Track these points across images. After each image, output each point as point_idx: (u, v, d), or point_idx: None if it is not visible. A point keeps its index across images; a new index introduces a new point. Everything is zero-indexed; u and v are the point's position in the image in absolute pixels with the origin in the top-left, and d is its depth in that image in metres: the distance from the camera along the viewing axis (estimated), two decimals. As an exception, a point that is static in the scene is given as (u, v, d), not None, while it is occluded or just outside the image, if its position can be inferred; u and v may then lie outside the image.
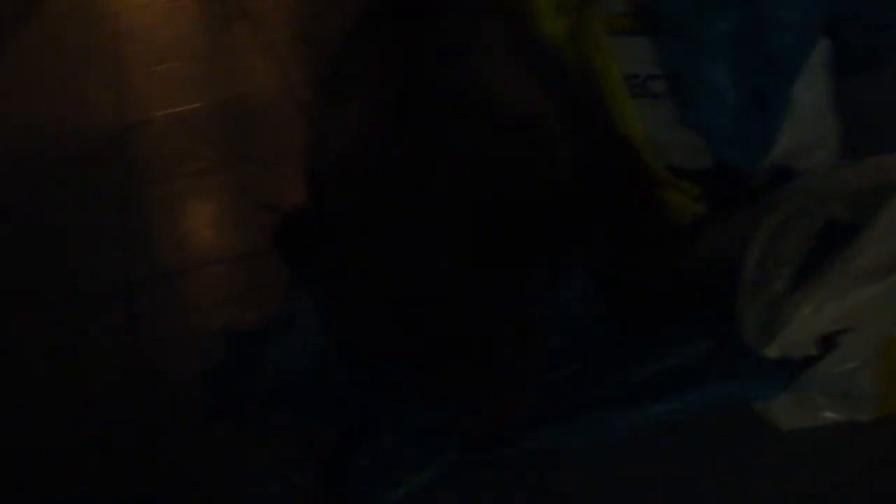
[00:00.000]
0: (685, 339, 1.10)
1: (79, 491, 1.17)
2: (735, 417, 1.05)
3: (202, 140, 2.09)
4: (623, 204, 1.20)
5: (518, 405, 1.03)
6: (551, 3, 1.44)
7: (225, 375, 1.21)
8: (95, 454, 1.22)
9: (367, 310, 1.02)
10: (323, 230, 1.05)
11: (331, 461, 1.08)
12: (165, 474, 1.16)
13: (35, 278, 1.65)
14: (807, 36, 1.30)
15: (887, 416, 1.00)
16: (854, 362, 0.98)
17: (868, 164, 1.22)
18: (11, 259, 1.71)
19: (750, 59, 1.30)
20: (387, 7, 1.16)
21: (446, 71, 1.04)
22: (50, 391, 1.35)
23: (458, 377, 1.01)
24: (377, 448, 1.05)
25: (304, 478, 1.10)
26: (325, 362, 1.16)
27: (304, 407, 1.13)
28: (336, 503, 1.05)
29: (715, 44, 1.30)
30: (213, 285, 1.51)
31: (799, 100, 1.36)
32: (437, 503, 1.03)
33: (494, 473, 1.04)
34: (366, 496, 1.02)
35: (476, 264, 0.94)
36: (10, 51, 2.93)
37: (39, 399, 1.34)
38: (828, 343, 0.99)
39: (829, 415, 1.00)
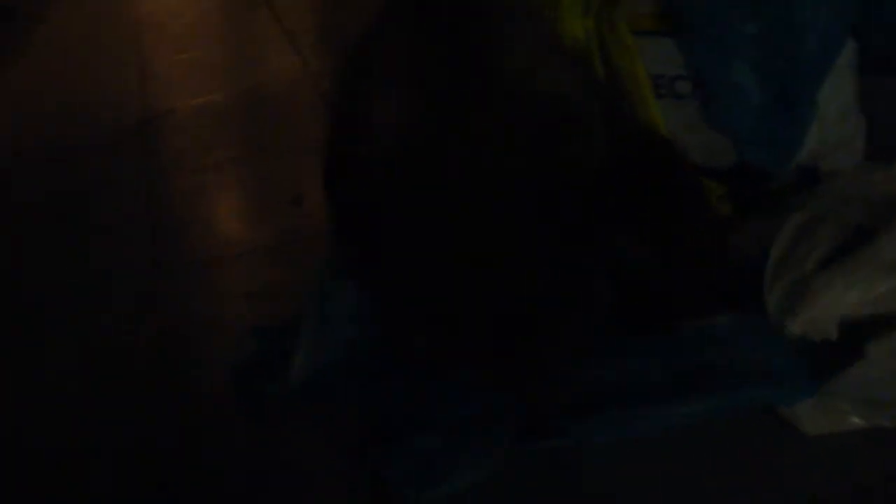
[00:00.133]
0: (716, 339, 1.11)
1: (104, 488, 1.19)
2: (754, 417, 1.06)
3: (225, 131, 2.10)
4: (660, 192, 1.21)
5: (569, 385, 1.06)
6: (577, 4, 1.45)
7: (255, 372, 1.22)
8: (122, 449, 1.24)
9: (425, 288, 1.04)
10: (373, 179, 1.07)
11: (366, 460, 1.09)
12: (194, 470, 1.17)
13: (61, 269, 1.67)
14: (833, 39, 1.30)
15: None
16: (882, 371, 0.99)
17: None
18: (38, 250, 1.73)
19: (776, 61, 1.30)
20: (419, 4, 1.17)
21: (488, 61, 1.07)
22: (78, 385, 1.37)
23: (513, 353, 1.03)
24: (413, 448, 1.06)
25: (334, 475, 1.11)
26: (360, 355, 1.17)
27: (337, 402, 1.14)
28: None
29: (741, 46, 1.31)
30: (240, 277, 1.53)
31: (824, 100, 1.36)
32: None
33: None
34: (406, 497, 1.03)
35: (533, 240, 0.97)
36: (34, 39, 2.96)
37: (66, 393, 1.37)
38: (856, 349, 1.00)
39: (854, 420, 1.01)
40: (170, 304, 1.49)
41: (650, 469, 1.04)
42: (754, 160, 1.35)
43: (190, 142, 2.06)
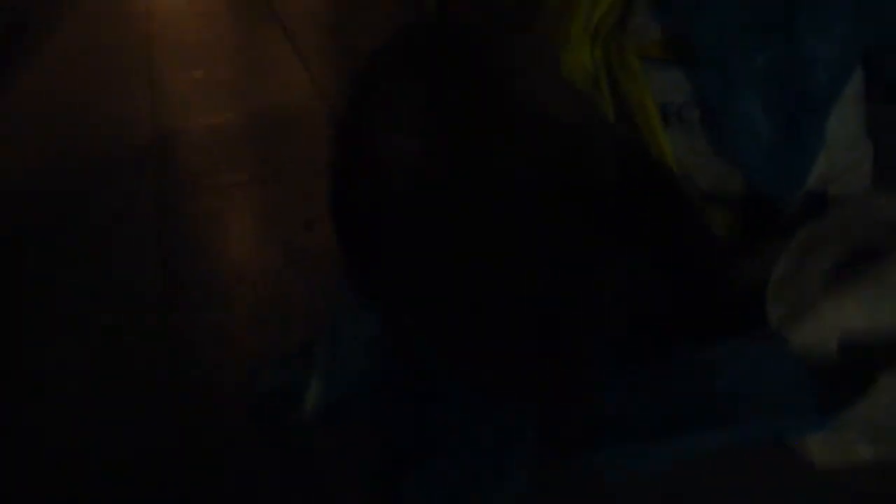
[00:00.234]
0: (722, 369, 1.12)
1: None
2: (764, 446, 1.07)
3: (237, 152, 2.12)
4: (661, 217, 1.23)
5: (592, 397, 1.07)
6: (585, 30, 1.46)
7: (273, 399, 1.23)
8: (139, 480, 1.25)
9: (447, 307, 1.06)
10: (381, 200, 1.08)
11: (387, 485, 1.10)
12: (215, 497, 1.18)
13: (74, 288, 1.69)
14: (842, 70, 1.31)
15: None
16: (890, 402, 1.00)
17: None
18: (52, 270, 1.74)
19: (784, 92, 1.31)
20: (428, 38, 1.19)
21: (502, 93, 1.10)
22: (89, 397, 1.39)
23: (537, 366, 1.05)
24: (433, 472, 1.07)
25: (357, 501, 1.13)
26: (375, 382, 1.19)
27: (355, 429, 1.16)
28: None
29: (750, 77, 1.32)
30: (251, 302, 1.54)
31: (832, 128, 1.37)
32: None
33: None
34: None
35: (548, 261, 1.00)
36: (45, 54, 2.98)
37: (78, 403, 1.38)
38: (867, 380, 1.01)
39: (864, 453, 1.02)
40: (182, 329, 1.50)
41: (659, 493, 1.05)
42: (762, 189, 1.36)
43: (202, 163, 2.08)
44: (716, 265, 1.24)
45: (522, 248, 1.04)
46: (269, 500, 1.15)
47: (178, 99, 2.49)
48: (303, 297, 1.50)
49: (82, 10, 3.40)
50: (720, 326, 1.15)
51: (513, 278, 1.04)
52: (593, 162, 1.07)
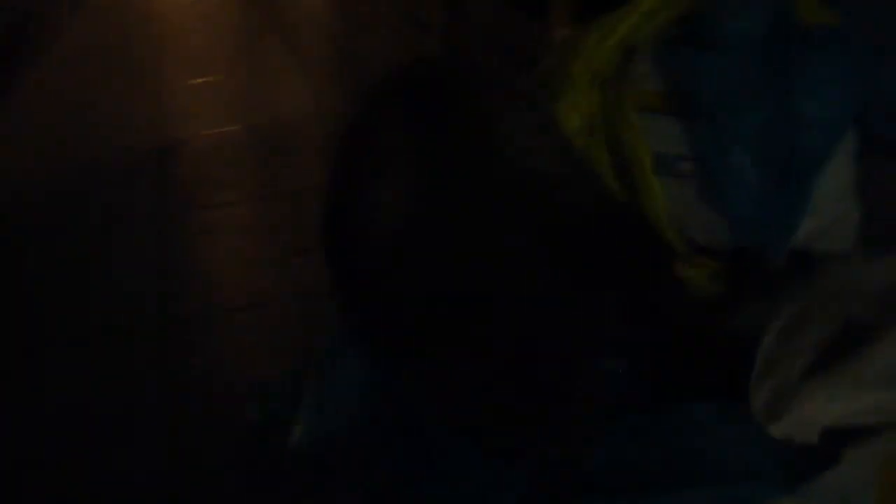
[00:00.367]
0: (693, 426, 1.14)
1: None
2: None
3: (234, 167, 2.15)
4: (638, 270, 1.25)
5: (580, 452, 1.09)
6: (586, 77, 1.49)
7: (257, 429, 1.25)
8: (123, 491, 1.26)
9: (438, 352, 1.08)
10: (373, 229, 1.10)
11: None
12: None
13: (69, 289, 1.71)
14: (836, 130, 1.34)
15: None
16: (856, 477, 1.02)
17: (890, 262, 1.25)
18: (52, 279, 1.76)
19: (777, 150, 1.34)
20: (412, 91, 1.21)
21: (488, 145, 1.12)
22: (86, 409, 1.41)
23: (524, 419, 1.07)
24: None
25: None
26: (364, 419, 1.20)
27: (336, 473, 1.18)
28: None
29: (744, 134, 1.34)
30: (242, 329, 1.57)
31: (820, 185, 1.39)
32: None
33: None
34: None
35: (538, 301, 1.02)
36: (49, 51, 2.99)
37: (78, 415, 1.40)
38: (833, 452, 1.03)
39: (827, 523, 1.04)
40: (176, 348, 1.52)
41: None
42: (749, 243, 1.39)
43: (201, 176, 2.11)
44: (686, 320, 1.26)
45: (507, 295, 1.06)
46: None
47: (180, 107, 2.52)
48: (294, 325, 1.52)
49: (85, 11, 3.41)
50: (698, 380, 1.18)
51: (497, 326, 1.05)
52: (572, 214, 1.10)
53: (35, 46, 2.95)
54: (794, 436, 1.02)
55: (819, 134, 1.34)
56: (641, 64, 1.45)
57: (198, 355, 1.49)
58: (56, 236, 1.90)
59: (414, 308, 1.07)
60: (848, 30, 1.36)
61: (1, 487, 1.29)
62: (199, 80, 2.63)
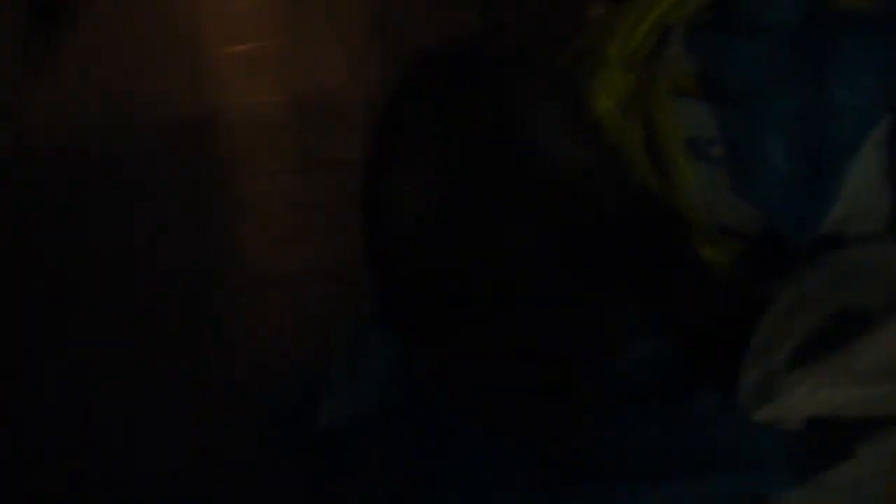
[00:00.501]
0: (705, 417, 1.17)
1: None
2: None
3: (273, 138, 2.17)
4: (657, 252, 1.27)
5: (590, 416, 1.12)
6: (621, 58, 1.50)
7: (284, 411, 1.29)
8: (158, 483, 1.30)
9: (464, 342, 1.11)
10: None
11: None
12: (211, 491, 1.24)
13: (103, 274, 1.74)
14: (866, 121, 1.34)
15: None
16: (868, 472, 1.04)
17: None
18: (80, 247, 1.79)
19: (808, 138, 1.34)
20: (443, 78, 1.23)
21: (511, 137, 1.14)
22: (114, 387, 1.45)
23: (539, 405, 1.10)
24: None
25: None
26: (388, 404, 1.24)
27: (360, 459, 1.21)
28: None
29: (775, 120, 1.35)
30: (277, 304, 1.60)
31: (851, 171, 1.40)
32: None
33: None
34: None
35: (566, 290, 1.05)
36: (84, 21, 3.00)
37: (102, 394, 1.44)
38: (844, 448, 1.06)
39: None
40: (210, 321, 1.55)
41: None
42: (778, 228, 1.40)
43: (237, 147, 2.13)
44: (705, 306, 1.28)
45: (528, 285, 1.08)
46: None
47: (217, 75, 2.54)
48: (325, 303, 1.55)
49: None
50: (713, 370, 1.20)
51: (520, 320, 1.08)
52: (595, 206, 1.12)
53: (73, 10, 2.97)
54: (779, 422, 1.05)
55: (851, 122, 1.34)
56: (675, 46, 1.46)
57: (228, 330, 1.53)
58: (87, 204, 1.94)
59: (437, 293, 1.10)
60: (882, 15, 1.36)
61: (25, 467, 1.33)
62: (238, 48, 2.65)
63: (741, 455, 1.09)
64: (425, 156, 1.12)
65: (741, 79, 1.37)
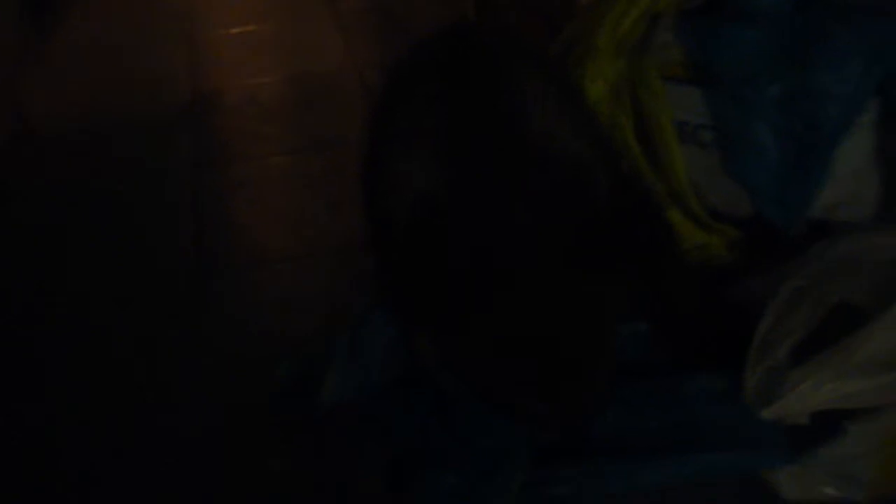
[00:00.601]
0: (698, 398, 1.19)
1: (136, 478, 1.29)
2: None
3: (272, 119, 2.18)
4: (642, 241, 1.29)
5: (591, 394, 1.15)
6: (611, 44, 1.51)
7: (293, 389, 1.32)
8: (151, 451, 1.32)
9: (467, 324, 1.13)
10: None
11: (390, 485, 1.18)
12: (225, 485, 1.26)
13: (107, 254, 1.77)
14: (853, 106, 1.36)
15: (880, 498, 1.09)
16: (858, 450, 1.07)
17: (893, 235, 1.28)
18: (83, 237, 1.82)
19: (796, 123, 1.36)
20: (441, 65, 1.25)
21: (510, 125, 1.16)
22: (120, 371, 1.47)
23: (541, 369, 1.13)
24: (441, 486, 1.14)
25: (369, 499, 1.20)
26: (391, 381, 1.27)
27: (364, 427, 1.24)
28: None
29: (763, 106, 1.37)
30: (276, 283, 1.62)
31: (839, 157, 1.42)
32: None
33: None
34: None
35: (560, 277, 1.07)
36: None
37: (109, 365, 1.47)
38: (835, 426, 1.09)
39: (828, 491, 1.09)
40: (212, 301, 1.58)
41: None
42: (767, 213, 1.42)
43: (237, 128, 2.15)
44: (686, 291, 1.30)
45: (528, 268, 1.10)
46: (276, 484, 1.23)
47: (216, 57, 2.55)
48: (327, 280, 1.57)
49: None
50: (701, 354, 1.23)
51: (517, 297, 1.10)
52: (588, 193, 1.14)
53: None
54: (784, 419, 1.08)
55: (839, 107, 1.35)
56: (665, 32, 1.48)
57: (231, 307, 1.55)
58: (88, 185, 1.96)
59: (440, 275, 1.12)
60: (870, 4, 1.37)
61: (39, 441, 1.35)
62: (236, 30, 2.67)
63: (734, 434, 1.12)
64: (425, 138, 1.14)
65: (731, 64, 1.38)
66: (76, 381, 1.46)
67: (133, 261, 1.73)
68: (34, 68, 2.52)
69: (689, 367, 1.24)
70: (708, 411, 1.18)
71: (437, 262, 1.11)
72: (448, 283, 1.10)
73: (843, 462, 1.08)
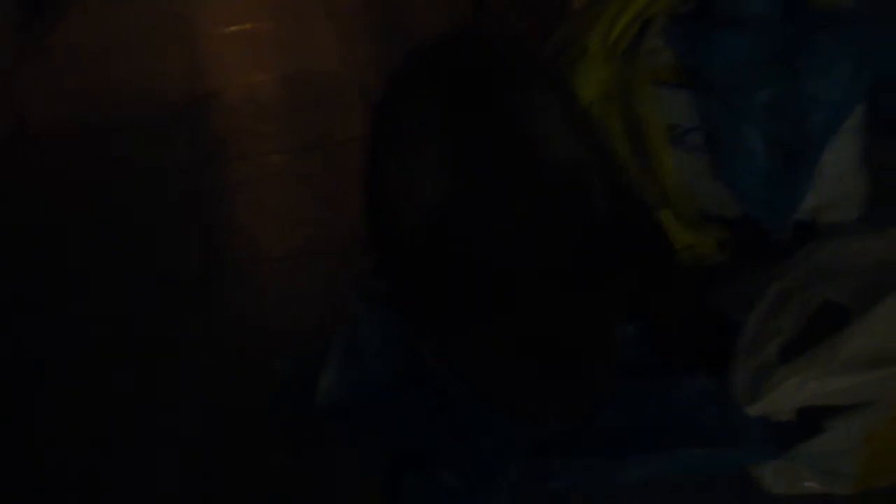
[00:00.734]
0: (685, 396, 1.23)
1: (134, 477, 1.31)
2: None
3: (270, 118, 2.21)
4: (639, 248, 1.32)
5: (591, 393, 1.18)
6: (603, 46, 1.54)
7: (284, 386, 1.34)
8: (150, 452, 1.34)
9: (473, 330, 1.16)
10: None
11: (386, 482, 1.21)
12: (224, 482, 1.29)
13: (103, 258, 1.79)
14: (842, 110, 1.39)
15: (862, 493, 1.13)
16: (842, 446, 1.11)
17: (877, 238, 1.32)
18: (82, 236, 1.84)
19: (784, 128, 1.39)
20: (447, 72, 1.27)
21: (515, 134, 1.19)
22: (120, 371, 1.50)
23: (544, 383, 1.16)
24: (439, 485, 1.17)
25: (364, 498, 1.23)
26: (388, 380, 1.30)
27: (360, 427, 1.26)
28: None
29: (752, 110, 1.39)
30: (274, 281, 1.64)
31: (826, 160, 1.44)
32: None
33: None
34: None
35: (560, 283, 1.10)
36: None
37: (119, 361, 1.49)
38: (818, 423, 1.12)
39: (811, 485, 1.13)
40: (213, 306, 1.60)
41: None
42: (755, 215, 1.45)
43: (235, 127, 2.17)
44: (677, 294, 1.33)
45: (529, 272, 1.13)
46: (276, 484, 1.25)
47: (212, 56, 2.58)
48: (326, 279, 1.60)
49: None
50: (689, 355, 1.26)
51: (519, 300, 1.13)
52: (587, 199, 1.17)
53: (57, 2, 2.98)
54: (771, 416, 1.11)
55: (824, 114, 1.38)
56: (656, 38, 1.50)
57: (230, 306, 1.58)
58: (87, 183, 1.98)
59: (447, 279, 1.15)
60: (857, 12, 1.40)
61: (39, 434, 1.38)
62: (234, 28, 2.68)
63: (722, 430, 1.15)
64: (431, 145, 1.16)
65: (720, 69, 1.41)
66: (76, 381, 1.48)
67: (133, 260, 1.75)
68: (31, 68, 2.54)
69: (679, 366, 1.27)
70: (696, 409, 1.21)
71: (444, 267, 1.13)
72: (454, 286, 1.12)
73: (828, 457, 1.11)
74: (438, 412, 1.24)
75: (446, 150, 1.16)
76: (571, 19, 1.68)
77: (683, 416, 1.20)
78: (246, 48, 2.60)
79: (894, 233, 1.33)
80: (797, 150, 1.40)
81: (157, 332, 1.56)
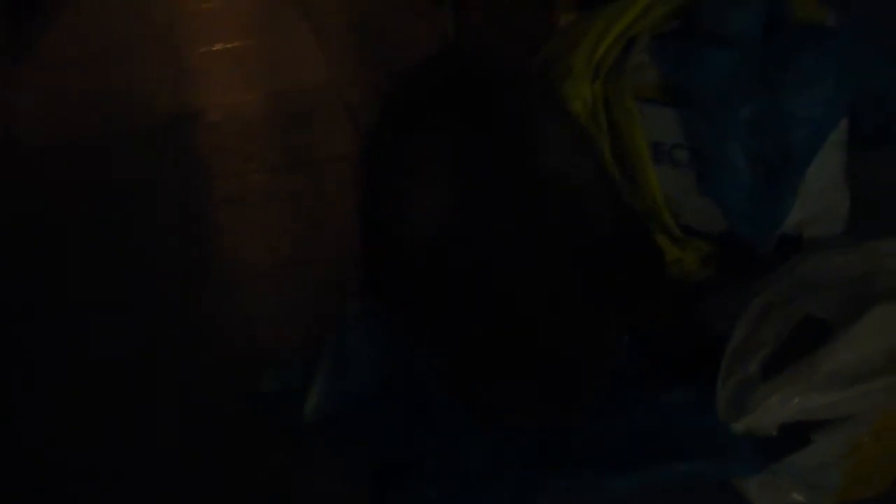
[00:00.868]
0: (670, 408, 1.23)
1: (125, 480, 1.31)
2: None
3: (255, 136, 2.21)
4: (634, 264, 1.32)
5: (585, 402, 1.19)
6: (588, 64, 1.55)
7: (270, 399, 1.34)
8: (139, 463, 1.34)
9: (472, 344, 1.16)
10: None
11: (372, 494, 1.21)
12: (212, 492, 1.29)
13: (93, 267, 1.79)
14: (821, 128, 1.40)
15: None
16: (824, 459, 1.11)
17: (859, 252, 1.33)
18: (73, 253, 1.84)
19: (767, 145, 1.40)
20: (451, 94, 1.27)
21: (517, 155, 1.19)
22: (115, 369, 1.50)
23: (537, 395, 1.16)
24: (424, 498, 1.17)
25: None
26: (375, 391, 1.30)
27: (349, 439, 1.26)
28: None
29: (735, 127, 1.41)
30: (260, 298, 1.65)
31: (810, 175, 1.46)
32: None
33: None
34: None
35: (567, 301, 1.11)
36: (68, 13, 3.04)
37: (104, 372, 1.49)
38: (802, 436, 1.13)
39: (796, 499, 1.13)
40: (198, 317, 1.60)
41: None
42: (740, 230, 1.46)
43: (220, 145, 2.18)
44: (668, 313, 1.34)
45: (526, 289, 1.14)
46: (262, 495, 1.25)
47: (197, 74, 2.59)
48: (313, 293, 1.60)
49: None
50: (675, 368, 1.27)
51: (515, 317, 1.13)
52: (595, 222, 1.18)
53: (48, 7, 2.99)
54: (755, 432, 1.12)
55: (808, 130, 1.40)
56: (641, 55, 1.52)
57: (218, 321, 1.58)
58: (74, 198, 1.98)
59: (444, 293, 1.15)
60: (838, 30, 1.42)
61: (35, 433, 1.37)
62: (216, 47, 2.69)
63: (707, 443, 1.16)
64: (438, 168, 1.16)
65: (704, 86, 1.42)
66: (76, 381, 1.48)
67: (121, 272, 1.76)
68: (18, 81, 2.54)
69: (666, 379, 1.28)
70: (682, 421, 1.21)
71: (447, 283, 1.13)
72: (456, 302, 1.13)
73: (811, 471, 1.12)
74: (426, 425, 1.24)
75: (454, 174, 1.16)
76: (556, 37, 1.69)
77: (669, 427, 1.20)
78: (231, 66, 2.61)
79: (875, 246, 1.34)
80: (779, 166, 1.41)
81: (144, 343, 1.56)
